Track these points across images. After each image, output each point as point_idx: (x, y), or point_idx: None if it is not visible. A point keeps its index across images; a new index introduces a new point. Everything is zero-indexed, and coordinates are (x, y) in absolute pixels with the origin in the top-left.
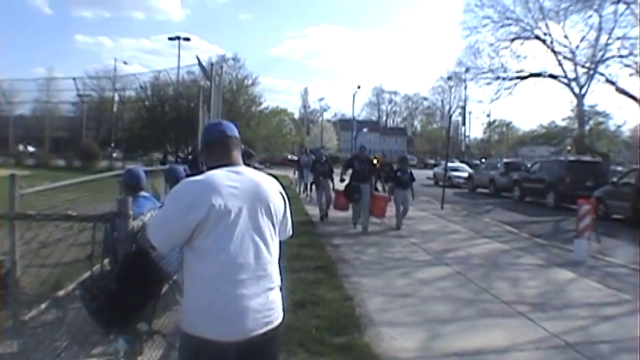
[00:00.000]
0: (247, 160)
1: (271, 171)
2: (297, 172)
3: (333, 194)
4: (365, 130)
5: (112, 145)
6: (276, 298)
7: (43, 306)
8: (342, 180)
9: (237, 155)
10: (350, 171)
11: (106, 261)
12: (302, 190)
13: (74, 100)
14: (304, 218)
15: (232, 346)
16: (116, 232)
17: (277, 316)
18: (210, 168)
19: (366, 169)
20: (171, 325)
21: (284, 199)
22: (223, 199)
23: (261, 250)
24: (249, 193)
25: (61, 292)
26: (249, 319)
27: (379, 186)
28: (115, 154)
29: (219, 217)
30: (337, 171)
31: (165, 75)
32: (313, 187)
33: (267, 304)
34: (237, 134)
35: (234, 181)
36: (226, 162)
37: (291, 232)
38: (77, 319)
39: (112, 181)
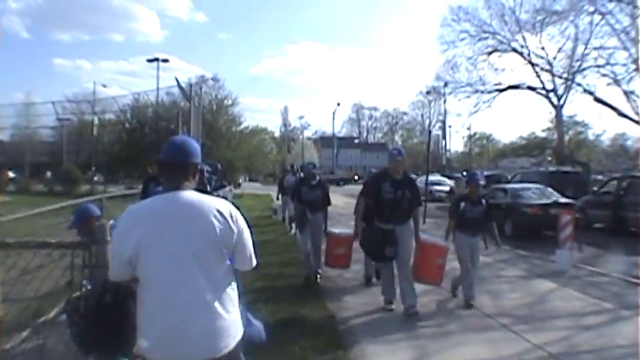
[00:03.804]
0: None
1: (251, 190)
2: (280, 197)
3: (324, 241)
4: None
5: (93, 168)
6: (220, 326)
7: (24, 334)
8: (356, 234)
9: (186, 180)
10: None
11: (86, 286)
12: (288, 221)
13: (54, 125)
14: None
15: None
16: (94, 259)
17: (223, 346)
18: (163, 190)
19: (404, 197)
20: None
21: (235, 227)
22: (158, 226)
23: (199, 279)
24: (188, 219)
25: (41, 319)
26: (185, 346)
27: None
28: (95, 178)
29: (153, 245)
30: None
31: (145, 97)
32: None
33: (208, 333)
34: (193, 160)
35: (172, 208)
36: (174, 187)
37: (254, 263)
38: (58, 345)
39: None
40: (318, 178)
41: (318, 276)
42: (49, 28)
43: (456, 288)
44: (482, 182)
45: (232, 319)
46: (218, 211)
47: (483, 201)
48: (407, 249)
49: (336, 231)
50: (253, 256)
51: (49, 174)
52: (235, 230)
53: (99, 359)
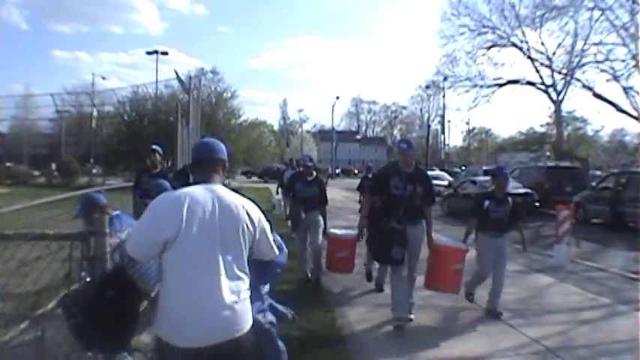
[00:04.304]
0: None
1: (250, 184)
2: (280, 191)
3: (323, 242)
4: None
5: (92, 161)
6: (240, 310)
7: (22, 326)
8: (360, 232)
9: (216, 174)
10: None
11: (84, 279)
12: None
13: (52, 117)
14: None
15: (193, 352)
16: (92, 250)
17: (240, 329)
18: (194, 183)
19: (415, 193)
20: (151, 342)
21: (257, 221)
22: (196, 215)
23: (226, 265)
24: (221, 211)
25: (39, 312)
26: (209, 328)
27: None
28: (94, 170)
29: (188, 230)
30: (336, 194)
31: (144, 89)
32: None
33: (230, 316)
34: (218, 155)
35: (209, 199)
36: (204, 179)
37: (277, 252)
38: (56, 337)
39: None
40: (313, 172)
41: (319, 278)
42: (48, 20)
43: (471, 293)
44: (509, 177)
45: (246, 307)
46: (245, 209)
47: (509, 199)
48: (416, 251)
49: (338, 232)
50: (274, 246)
51: (54, 166)
52: (258, 228)
53: (98, 353)
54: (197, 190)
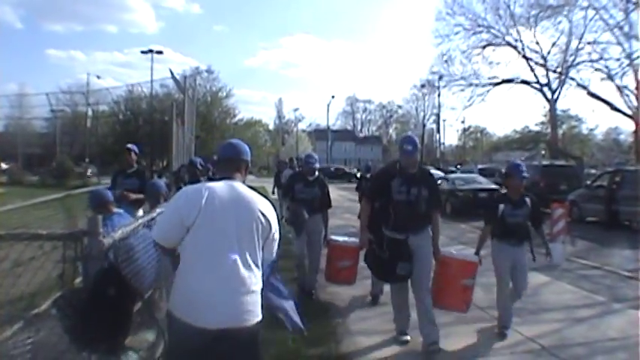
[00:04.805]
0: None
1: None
2: (276, 191)
3: (323, 250)
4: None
5: (86, 160)
6: (250, 301)
7: (16, 326)
8: (362, 244)
9: (238, 172)
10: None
11: (78, 279)
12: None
13: (47, 116)
14: None
15: (203, 333)
16: (86, 250)
17: (249, 318)
18: (220, 178)
19: (420, 197)
20: (146, 342)
21: (272, 221)
22: (213, 205)
23: (241, 256)
24: (237, 204)
25: (34, 312)
26: (219, 313)
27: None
28: (89, 170)
29: (207, 218)
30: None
31: (139, 89)
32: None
33: (240, 305)
34: (242, 156)
35: (227, 192)
36: (226, 176)
37: (274, 256)
38: (50, 338)
39: (84, 197)
40: (315, 172)
41: (314, 292)
42: (43, 19)
43: (504, 318)
44: (526, 176)
45: (257, 299)
46: (263, 208)
47: (528, 200)
48: (425, 265)
49: (339, 239)
50: (275, 251)
51: (54, 164)
52: (272, 229)
53: (93, 354)
54: (218, 184)
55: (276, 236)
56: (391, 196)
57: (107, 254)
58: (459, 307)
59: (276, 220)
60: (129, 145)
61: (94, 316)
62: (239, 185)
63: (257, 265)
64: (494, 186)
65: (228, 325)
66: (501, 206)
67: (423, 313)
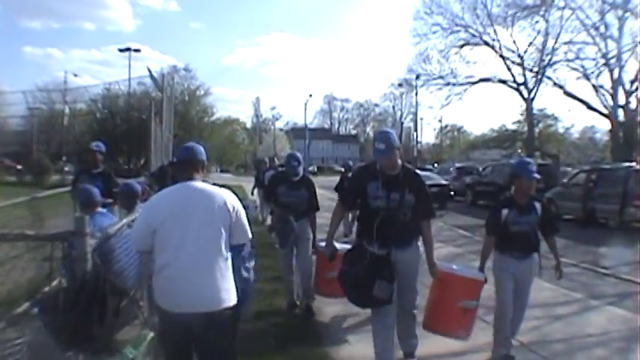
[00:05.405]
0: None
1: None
2: (255, 192)
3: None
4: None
5: (64, 158)
6: (219, 286)
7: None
8: (331, 257)
9: (196, 172)
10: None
11: (64, 279)
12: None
13: (24, 114)
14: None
15: (180, 317)
16: (74, 251)
17: (219, 301)
18: (179, 181)
19: (403, 203)
20: (131, 340)
21: (232, 207)
22: (174, 206)
23: (204, 247)
24: (197, 201)
25: (18, 310)
26: (190, 298)
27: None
28: (66, 168)
29: (170, 219)
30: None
31: (116, 87)
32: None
33: (209, 290)
34: (198, 157)
35: (186, 192)
36: (186, 177)
37: (250, 235)
38: (37, 337)
39: (64, 197)
40: (300, 172)
41: (311, 309)
42: (19, 16)
43: (503, 345)
44: (537, 176)
45: (225, 285)
46: (223, 198)
47: (537, 204)
48: (411, 287)
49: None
50: (248, 230)
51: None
52: (233, 214)
53: (79, 354)
54: (177, 187)
55: (244, 220)
56: (368, 202)
57: (93, 254)
58: (457, 333)
59: (240, 205)
60: (93, 146)
61: (80, 315)
62: (198, 184)
63: (223, 253)
64: (444, 182)
65: (199, 309)
66: (505, 211)
67: (404, 327)
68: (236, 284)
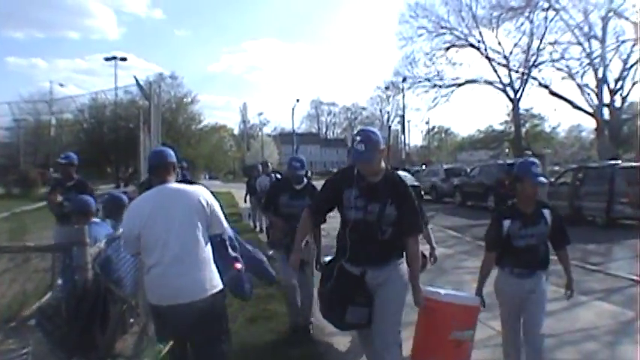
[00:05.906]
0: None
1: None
2: (248, 200)
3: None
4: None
5: (51, 170)
6: (201, 277)
7: None
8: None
9: (169, 175)
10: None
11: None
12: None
13: (9, 126)
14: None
15: (170, 309)
16: (74, 261)
17: (203, 290)
18: (155, 185)
19: (383, 215)
20: (131, 347)
21: (206, 202)
22: (152, 209)
23: (186, 242)
24: (173, 201)
25: (13, 324)
26: (176, 290)
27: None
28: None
29: (150, 221)
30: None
31: (103, 96)
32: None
33: (192, 282)
34: (168, 160)
35: (162, 195)
36: (160, 181)
37: (226, 224)
38: (40, 347)
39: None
40: (304, 179)
41: (311, 327)
42: (2, 26)
43: None
44: (545, 180)
45: (209, 275)
46: (197, 195)
47: (546, 212)
48: (391, 312)
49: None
50: (224, 222)
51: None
52: (208, 208)
53: None
54: (155, 190)
55: (218, 212)
56: (343, 212)
57: (93, 264)
58: None
59: (213, 199)
60: (62, 159)
61: (82, 323)
62: (172, 185)
63: (203, 245)
64: (416, 183)
65: (188, 299)
66: (507, 223)
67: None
68: (220, 273)
